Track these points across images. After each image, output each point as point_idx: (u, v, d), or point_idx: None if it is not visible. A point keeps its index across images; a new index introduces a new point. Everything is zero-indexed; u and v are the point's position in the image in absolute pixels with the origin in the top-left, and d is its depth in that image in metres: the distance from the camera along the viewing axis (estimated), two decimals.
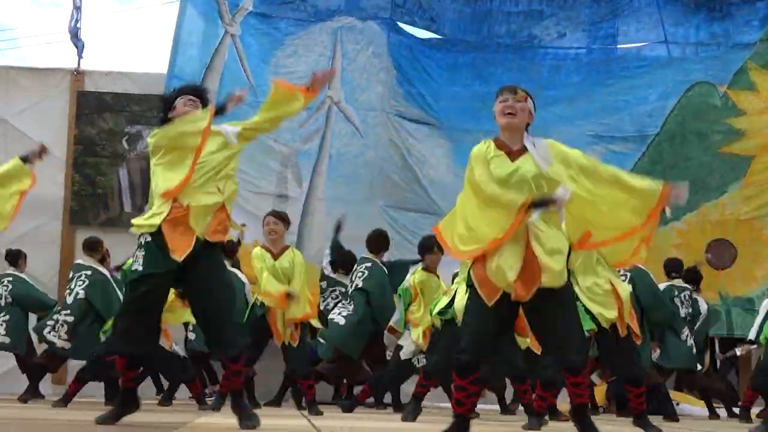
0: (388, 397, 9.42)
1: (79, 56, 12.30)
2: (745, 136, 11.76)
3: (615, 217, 4.42)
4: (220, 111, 5.22)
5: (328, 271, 9.90)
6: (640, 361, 6.33)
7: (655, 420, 8.39)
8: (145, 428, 5.17)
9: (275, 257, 7.61)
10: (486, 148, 4.47)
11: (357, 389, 9.68)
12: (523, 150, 4.43)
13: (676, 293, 9.16)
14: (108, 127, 12.25)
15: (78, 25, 12.27)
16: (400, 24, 12.32)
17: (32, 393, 8.85)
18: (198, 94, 5.32)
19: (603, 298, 5.97)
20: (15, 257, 9.71)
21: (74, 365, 9.12)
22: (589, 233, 4.46)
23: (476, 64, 12.31)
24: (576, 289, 5.68)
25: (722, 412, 9.69)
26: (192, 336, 8.69)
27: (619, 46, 12.55)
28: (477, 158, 4.43)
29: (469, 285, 4.45)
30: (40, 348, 9.25)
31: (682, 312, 9.11)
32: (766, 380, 8.24)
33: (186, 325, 8.55)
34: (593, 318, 5.98)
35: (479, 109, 11.90)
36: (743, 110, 11.78)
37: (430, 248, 7.71)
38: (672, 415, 8.57)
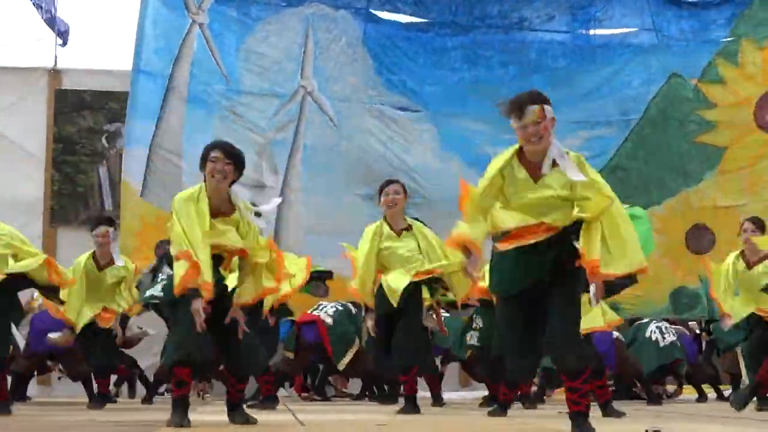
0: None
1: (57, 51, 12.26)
2: (717, 128, 11.84)
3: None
4: None
5: None
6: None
7: (640, 404, 8.46)
8: (126, 427, 5.15)
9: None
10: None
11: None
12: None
13: None
14: (87, 125, 12.20)
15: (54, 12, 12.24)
16: (379, 13, 12.22)
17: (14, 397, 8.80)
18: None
19: None
20: None
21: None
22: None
23: (465, 46, 12.22)
24: None
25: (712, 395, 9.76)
26: None
27: (603, 32, 12.55)
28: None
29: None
30: None
31: None
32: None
33: None
34: None
35: (467, 93, 11.86)
36: (714, 103, 11.85)
37: None
38: (655, 400, 8.63)
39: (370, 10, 12.01)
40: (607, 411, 6.11)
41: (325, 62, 11.83)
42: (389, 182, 7.13)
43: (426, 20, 12.36)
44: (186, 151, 11.05)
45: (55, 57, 12.36)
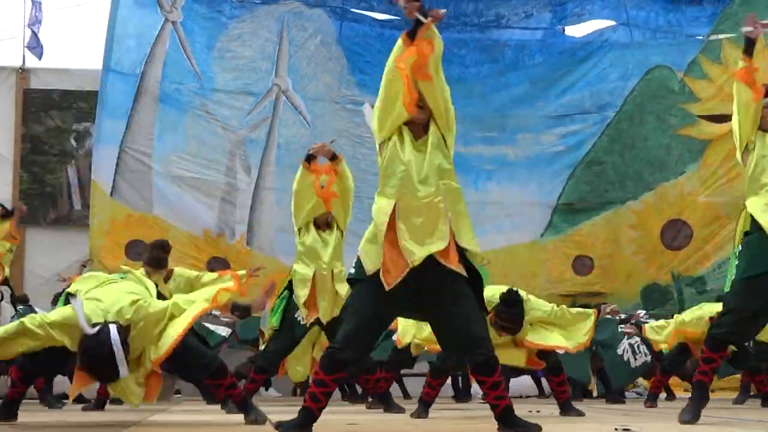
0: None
1: (25, 50, 12.10)
2: (701, 121, 11.91)
3: None
4: None
5: None
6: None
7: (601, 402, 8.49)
8: (97, 428, 5.12)
9: None
10: None
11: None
12: None
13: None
14: (55, 125, 12.11)
15: (38, 24, 12.04)
16: (355, 10, 12.18)
17: None
18: None
19: None
20: None
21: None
22: None
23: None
24: None
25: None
26: None
27: (580, 27, 12.59)
28: None
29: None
30: None
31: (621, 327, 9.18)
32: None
33: None
34: None
35: None
36: (698, 97, 11.93)
37: None
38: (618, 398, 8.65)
39: (346, 7, 11.98)
40: (566, 410, 6.12)
41: (299, 61, 11.81)
42: None
43: (400, 18, 12.34)
44: (156, 150, 11.05)
45: (23, 56, 12.24)
